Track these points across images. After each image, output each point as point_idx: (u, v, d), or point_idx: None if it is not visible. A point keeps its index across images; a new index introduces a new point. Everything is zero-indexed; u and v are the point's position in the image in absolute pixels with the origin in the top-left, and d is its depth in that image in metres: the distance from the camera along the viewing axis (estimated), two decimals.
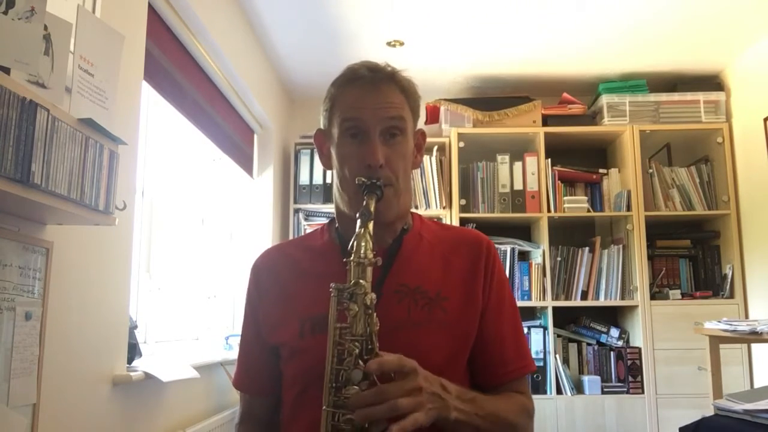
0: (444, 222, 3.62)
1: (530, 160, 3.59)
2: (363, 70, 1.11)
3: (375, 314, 0.94)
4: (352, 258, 0.96)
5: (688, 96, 3.61)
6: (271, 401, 1.20)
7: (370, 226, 0.98)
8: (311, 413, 0.98)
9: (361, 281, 0.94)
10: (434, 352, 1.06)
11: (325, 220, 3.96)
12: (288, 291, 1.15)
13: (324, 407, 0.93)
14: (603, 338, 3.55)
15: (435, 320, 1.08)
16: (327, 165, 1.17)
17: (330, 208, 3.71)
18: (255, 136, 3.57)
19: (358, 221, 0.98)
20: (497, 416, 1.03)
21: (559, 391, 3.35)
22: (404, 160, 1.10)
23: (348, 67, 1.14)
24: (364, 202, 1.01)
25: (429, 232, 1.19)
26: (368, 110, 1.07)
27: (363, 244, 0.96)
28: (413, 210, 1.23)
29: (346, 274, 0.97)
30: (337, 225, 1.19)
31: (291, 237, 3.69)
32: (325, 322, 0.97)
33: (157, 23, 2.17)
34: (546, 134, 3.59)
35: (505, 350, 1.13)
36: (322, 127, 1.17)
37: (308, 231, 3.68)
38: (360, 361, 0.91)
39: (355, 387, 0.90)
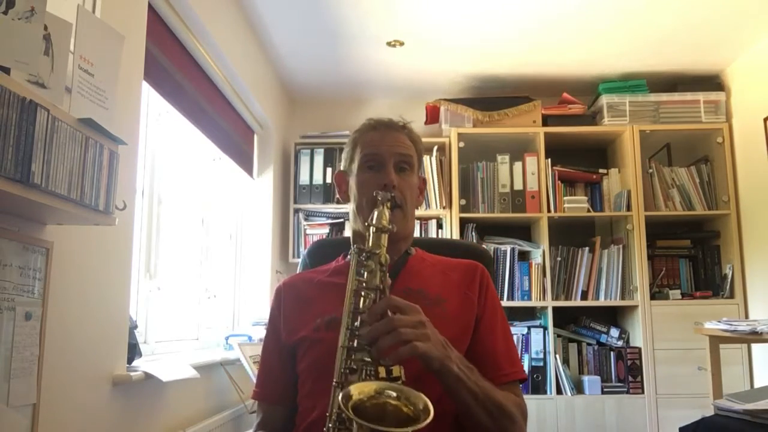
0: (444, 222, 3.63)
1: (530, 160, 3.59)
2: (379, 121, 1.35)
3: (387, 274, 1.09)
4: (373, 226, 1.11)
5: (688, 96, 3.61)
6: (287, 412, 1.26)
7: (389, 205, 1.16)
8: (323, 403, 1.04)
9: (379, 244, 1.10)
10: None
11: (325, 220, 3.97)
12: (306, 301, 1.28)
13: (340, 345, 1.03)
14: (603, 338, 3.55)
15: (435, 316, 1.15)
16: (345, 199, 1.37)
17: (330, 208, 3.71)
18: (255, 136, 3.57)
19: (378, 200, 1.16)
20: (492, 396, 1.09)
21: (559, 391, 3.35)
22: (411, 189, 1.31)
23: (368, 119, 1.37)
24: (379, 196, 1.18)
25: (430, 257, 1.35)
26: (385, 146, 1.30)
27: (381, 216, 1.12)
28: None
29: (360, 286, 1.09)
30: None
31: (291, 237, 3.70)
32: (338, 321, 1.07)
33: (157, 23, 2.17)
34: (546, 134, 3.59)
35: (498, 357, 1.21)
36: (342, 168, 1.38)
37: (307, 232, 3.70)
38: None
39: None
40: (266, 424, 1.27)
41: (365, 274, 1.08)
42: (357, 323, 1.03)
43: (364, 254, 1.09)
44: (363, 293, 1.06)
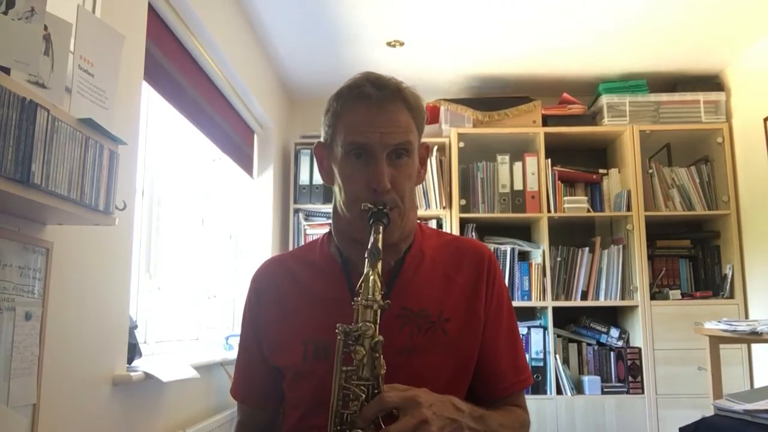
0: (444, 222, 3.62)
1: (530, 160, 3.59)
2: (368, 87, 1.06)
3: (382, 357, 0.91)
4: (359, 299, 0.93)
5: (688, 96, 3.61)
6: (271, 414, 1.20)
7: (379, 265, 0.95)
8: None
9: (369, 323, 0.91)
10: (435, 376, 1.06)
11: (325, 220, 3.95)
12: (289, 310, 1.14)
13: None
14: (603, 338, 3.55)
15: (437, 344, 1.07)
16: (327, 180, 1.14)
17: (330, 208, 3.69)
18: (255, 136, 3.57)
19: (366, 260, 0.95)
20: None
21: (559, 391, 3.35)
22: (410, 180, 1.08)
23: (352, 81, 1.09)
24: (372, 239, 0.98)
25: (430, 247, 1.17)
26: (375, 134, 1.03)
27: (371, 285, 0.93)
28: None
29: (348, 296, 0.96)
30: (336, 241, 1.17)
31: (291, 237, 3.69)
32: (328, 347, 0.97)
33: (157, 23, 2.17)
34: (546, 134, 3.59)
35: (502, 365, 1.13)
36: (322, 140, 1.13)
37: (307, 232, 3.69)
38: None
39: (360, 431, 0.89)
40: (248, 426, 1.22)
41: (353, 361, 0.91)
42: (346, 421, 0.90)
43: (352, 336, 0.92)
44: (352, 386, 0.91)
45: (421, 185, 3.58)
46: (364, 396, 0.90)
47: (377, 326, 0.92)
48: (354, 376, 0.91)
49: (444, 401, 0.94)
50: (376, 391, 0.90)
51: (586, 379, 3.40)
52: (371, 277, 0.94)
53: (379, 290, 0.93)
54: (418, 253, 1.14)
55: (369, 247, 0.97)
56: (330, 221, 1.22)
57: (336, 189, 1.12)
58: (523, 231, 3.76)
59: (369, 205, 1.02)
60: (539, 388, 3.37)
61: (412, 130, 1.08)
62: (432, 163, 3.60)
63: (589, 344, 3.53)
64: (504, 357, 1.13)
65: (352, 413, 0.90)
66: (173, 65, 2.33)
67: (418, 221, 1.21)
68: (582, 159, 3.71)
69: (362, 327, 0.91)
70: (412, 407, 0.89)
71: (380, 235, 0.98)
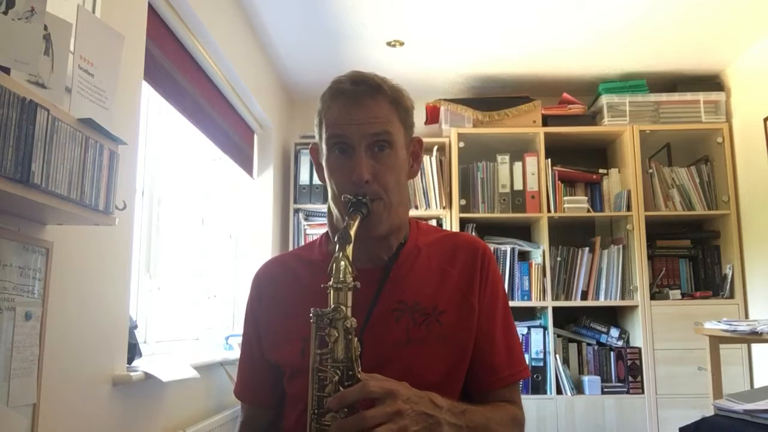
0: (444, 222, 3.62)
1: (530, 160, 3.59)
2: (346, 84, 1.08)
3: (356, 339, 0.92)
4: (330, 283, 0.94)
5: (688, 96, 3.61)
6: (273, 412, 1.21)
7: (349, 249, 0.96)
8: None
9: (341, 306, 0.92)
10: (432, 368, 1.06)
11: (325, 220, 3.94)
12: (289, 308, 1.15)
13: None
14: (603, 338, 3.55)
15: (432, 336, 1.08)
16: (321, 178, 1.17)
17: None
18: (255, 136, 3.57)
19: (336, 245, 0.96)
20: (488, 428, 1.02)
21: (559, 391, 3.35)
22: (394, 172, 1.08)
23: (334, 80, 1.11)
24: (344, 224, 1.00)
25: (426, 242, 1.18)
26: (352, 126, 1.05)
27: (341, 268, 0.94)
28: (411, 212, 1.20)
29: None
30: (332, 239, 1.18)
31: (291, 237, 3.70)
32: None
33: (157, 23, 2.17)
34: (546, 134, 3.59)
35: (496, 356, 1.12)
36: (316, 140, 1.17)
37: (307, 232, 3.69)
38: (341, 388, 0.90)
39: (335, 414, 0.89)
40: (251, 425, 1.22)
41: (327, 344, 0.92)
42: (323, 408, 0.91)
43: (325, 319, 0.92)
44: (328, 369, 0.92)
45: (421, 185, 3.59)
46: (337, 378, 0.90)
47: (350, 308, 0.93)
48: (329, 358, 0.92)
49: (422, 397, 0.94)
50: (350, 372, 0.91)
51: (586, 379, 3.40)
52: (342, 261, 0.94)
53: (350, 273, 0.94)
54: (413, 249, 1.15)
55: (339, 232, 0.97)
56: None
57: (327, 185, 1.14)
58: (523, 231, 3.76)
59: (349, 197, 1.04)
60: (539, 388, 3.37)
61: (393, 121, 1.08)
62: (432, 163, 3.60)
63: (589, 344, 3.53)
64: (498, 348, 1.13)
65: (327, 396, 0.90)
66: (173, 65, 2.33)
67: (417, 220, 1.23)
68: (582, 159, 3.71)
69: (334, 310, 0.92)
70: (389, 398, 0.89)
71: (355, 223, 0.99)
